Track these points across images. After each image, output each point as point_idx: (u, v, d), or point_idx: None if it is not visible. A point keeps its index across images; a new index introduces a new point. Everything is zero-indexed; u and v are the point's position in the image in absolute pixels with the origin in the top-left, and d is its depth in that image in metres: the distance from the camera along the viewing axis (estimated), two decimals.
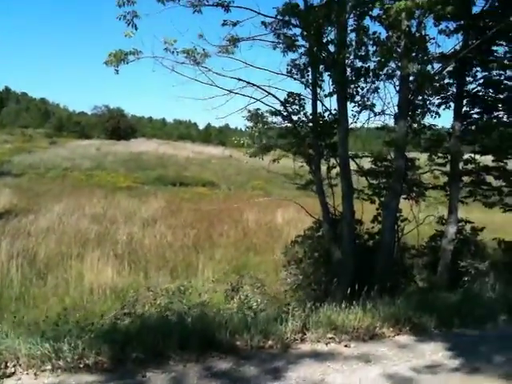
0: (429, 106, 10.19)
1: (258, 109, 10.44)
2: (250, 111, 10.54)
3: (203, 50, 9.38)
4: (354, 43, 9.74)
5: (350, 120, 9.88)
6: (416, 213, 10.68)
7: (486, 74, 10.96)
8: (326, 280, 9.95)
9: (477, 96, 11.03)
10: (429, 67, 9.73)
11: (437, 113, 10.14)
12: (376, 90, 9.95)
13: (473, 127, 10.89)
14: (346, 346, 5.74)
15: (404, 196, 10.95)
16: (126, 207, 24.63)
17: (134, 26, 8.65)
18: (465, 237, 11.49)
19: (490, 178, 11.76)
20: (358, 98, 9.84)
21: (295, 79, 9.88)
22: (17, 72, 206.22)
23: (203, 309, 7.05)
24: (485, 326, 6.65)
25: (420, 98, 9.84)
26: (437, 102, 11.02)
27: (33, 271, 12.80)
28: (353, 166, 10.25)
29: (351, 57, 9.44)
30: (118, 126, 64.90)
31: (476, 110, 11.44)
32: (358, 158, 11.77)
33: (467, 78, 11.14)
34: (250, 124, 11.01)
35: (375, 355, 5.46)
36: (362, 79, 9.89)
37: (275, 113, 10.10)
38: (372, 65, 9.93)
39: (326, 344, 5.74)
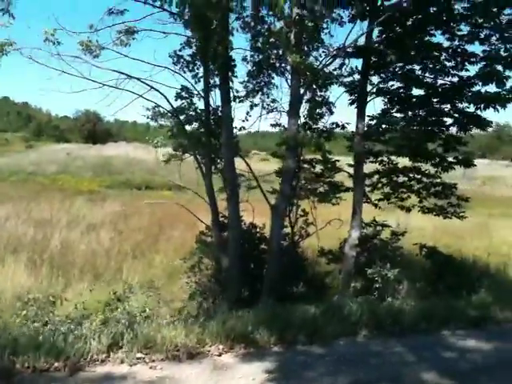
0: (329, 102, 9.48)
1: (156, 106, 9.73)
2: (148, 109, 9.86)
3: (96, 41, 8.73)
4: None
5: (242, 118, 9.22)
6: (315, 215, 10.00)
7: (398, 70, 10.27)
8: (215, 289, 9.23)
9: (390, 93, 10.33)
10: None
11: (329, 109, 9.41)
12: (268, 85, 9.27)
13: (377, 126, 10.11)
14: (151, 367, 5.01)
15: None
16: (77, 211, 23.79)
17: (11, 15, 7.95)
18: (381, 241, 10.80)
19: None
20: (244, 93, 9.12)
21: (176, 73, 9.14)
22: None
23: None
24: (336, 342, 5.93)
25: (315, 93, 9.09)
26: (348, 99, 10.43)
27: None
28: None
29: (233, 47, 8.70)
30: (94, 129, 64.04)
31: (397, 107, 10.79)
32: (276, 157, 11.17)
33: (384, 75, 10.49)
34: (154, 123, 10.43)
35: (174, 379, 4.74)
36: (253, 74, 9.18)
37: (162, 112, 9.41)
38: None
39: (131, 365, 5.01)
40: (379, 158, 10.69)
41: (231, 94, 8.72)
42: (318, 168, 10.96)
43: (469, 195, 39.97)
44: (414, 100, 10.20)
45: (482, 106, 8.90)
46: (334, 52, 8.77)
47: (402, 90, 10.14)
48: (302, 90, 8.71)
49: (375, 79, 10.45)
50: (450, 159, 10.12)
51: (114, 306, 8.69)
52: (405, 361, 5.48)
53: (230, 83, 8.64)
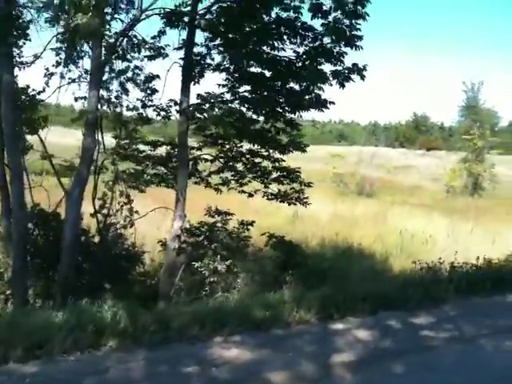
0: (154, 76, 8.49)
1: None
2: None
3: None
4: None
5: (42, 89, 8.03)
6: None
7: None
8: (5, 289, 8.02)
9: (222, 68, 9.32)
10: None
11: (136, 84, 8.38)
12: (79, 53, 8.11)
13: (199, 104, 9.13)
14: None
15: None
16: None
17: None
18: (226, 232, 9.89)
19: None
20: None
21: None
22: None
23: None
24: (65, 358, 4.83)
25: (109, 61, 7.97)
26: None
27: None
28: None
29: None
30: None
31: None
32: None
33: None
34: None
35: None
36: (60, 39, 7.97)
37: None
38: None
39: None
40: (220, 141, 9.80)
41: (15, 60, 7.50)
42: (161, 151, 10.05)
43: (377, 183, 39.68)
44: (252, 77, 9.29)
45: (305, 84, 8.12)
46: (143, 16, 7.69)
47: (234, 66, 9.17)
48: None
49: (216, 55, 9.50)
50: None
51: None
52: (129, 380, 4.51)
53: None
